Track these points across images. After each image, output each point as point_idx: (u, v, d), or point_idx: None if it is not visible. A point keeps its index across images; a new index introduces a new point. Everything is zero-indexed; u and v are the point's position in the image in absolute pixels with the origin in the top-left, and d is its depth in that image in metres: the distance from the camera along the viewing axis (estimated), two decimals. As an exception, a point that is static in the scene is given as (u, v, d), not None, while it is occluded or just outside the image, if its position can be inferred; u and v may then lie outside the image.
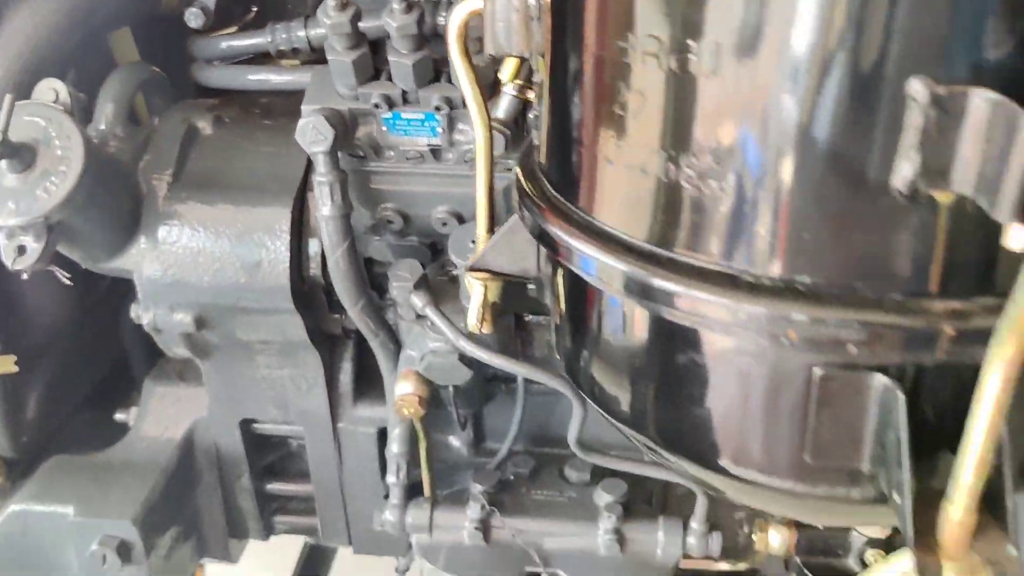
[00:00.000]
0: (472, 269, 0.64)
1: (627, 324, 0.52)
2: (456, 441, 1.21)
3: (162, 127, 1.01)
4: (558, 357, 0.63)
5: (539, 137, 0.58)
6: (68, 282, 0.95)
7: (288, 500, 1.27)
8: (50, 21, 0.92)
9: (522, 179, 0.58)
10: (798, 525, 1.06)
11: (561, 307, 0.59)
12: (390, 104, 0.89)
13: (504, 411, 1.18)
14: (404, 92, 0.89)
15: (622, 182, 0.48)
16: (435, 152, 0.92)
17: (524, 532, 1.08)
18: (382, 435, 1.16)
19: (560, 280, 0.58)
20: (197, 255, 0.97)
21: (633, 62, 0.46)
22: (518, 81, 0.81)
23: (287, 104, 1.03)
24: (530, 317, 1.12)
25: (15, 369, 1.05)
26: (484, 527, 1.08)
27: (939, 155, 0.38)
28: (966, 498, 0.41)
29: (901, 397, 0.42)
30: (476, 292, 0.65)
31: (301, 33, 1.02)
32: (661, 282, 0.46)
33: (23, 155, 0.83)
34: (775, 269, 0.44)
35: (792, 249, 0.44)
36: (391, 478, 1.10)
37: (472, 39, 0.66)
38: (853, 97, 0.41)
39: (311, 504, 1.25)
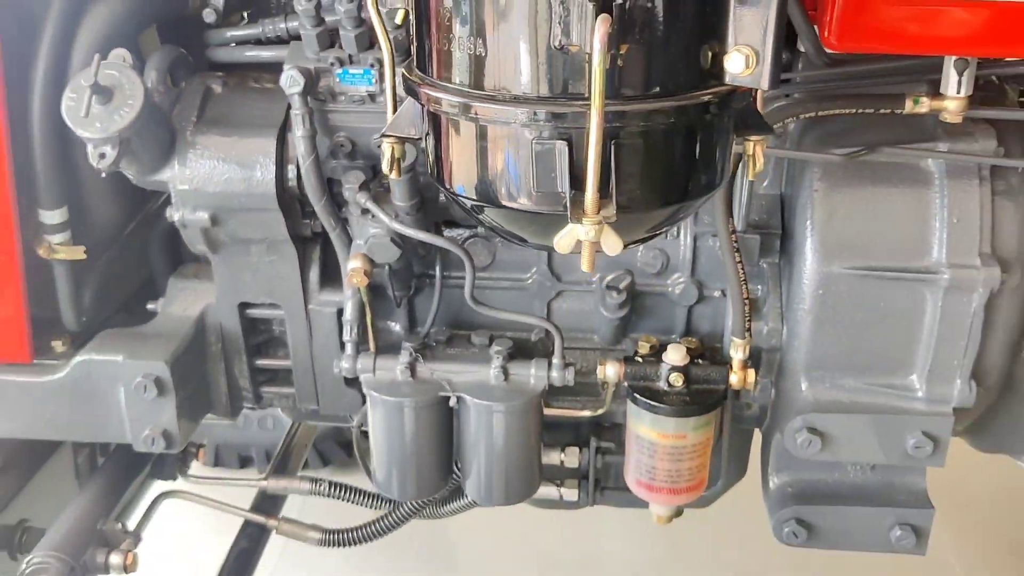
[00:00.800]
0: (383, 135, 1.11)
1: (459, 133, 0.99)
2: (395, 326, 1.67)
3: (187, 88, 1.49)
4: (437, 181, 1.09)
5: (413, 47, 1.06)
6: (132, 179, 1.42)
7: (273, 374, 1.72)
8: (119, 11, 1.41)
9: (405, 72, 1.06)
10: (625, 360, 1.53)
11: (431, 142, 1.06)
12: (341, 63, 1.38)
13: (429, 305, 1.64)
14: (350, 55, 1.37)
15: (448, 58, 0.97)
16: (371, 96, 1.40)
17: (439, 371, 1.54)
18: (340, 315, 1.61)
19: (428, 124, 1.05)
20: (212, 171, 1.44)
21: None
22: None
23: (271, 77, 1.51)
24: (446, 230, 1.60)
25: (84, 257, 1.51)
26: (411, 368, 1.54)
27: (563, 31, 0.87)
28: (592, 186, 0.88)
29: (565, 148, 0.90)
30: (387, 151, 1.12)
31: (282, 25, 1.50)
32: (469, 103, 0.94)
33: (105, 93, 1.31)
34: (511, 90, 0.92)
35: (516, 80, 0.91)
36: (345, 336, 1.56)
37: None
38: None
39: (290, 377, 1.71)
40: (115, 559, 1.57)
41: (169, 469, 1.87)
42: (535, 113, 0.91)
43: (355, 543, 1.79)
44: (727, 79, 0.93)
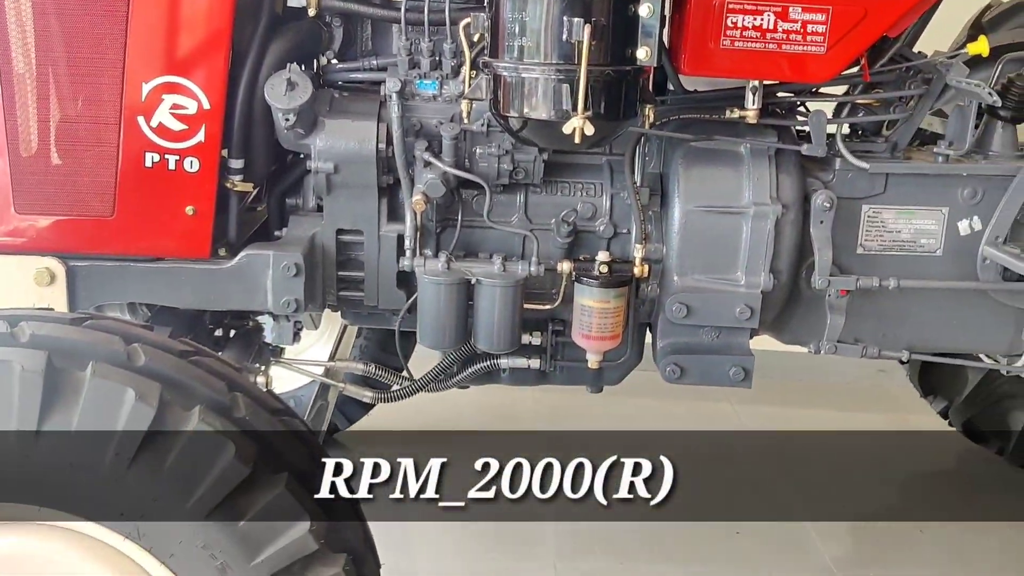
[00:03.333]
0: (464, 97, 2.18)
1: (511, 84, 2.08)
2: (428, 252, 2.69)
3: (320, 94, 2.53)
4: (496, 112, 2.17)
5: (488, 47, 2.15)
6: (286, 144, 2.44)
7: (348, 283, 2.69)
8: (289, 47, 2.46)
9: (481, 59, 2.14)
10: (574, 260, 2.58)
11: (494, 93, 2.14)
12: (419, 77, 2.46)
13: (451, 239, 2.67)
14: (424, 73, 2.46)
15: (509, 47, 2.06)
16: (435, 97, 2.48)
17: (463, 266, 2.55)
18: (398, 240, 2.62)
19: (494, 84, 2.13)
20: (338, 139, 2.47)
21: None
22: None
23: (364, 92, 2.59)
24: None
25: (253, 191, 2.50)
26: (448, 263, 2.54)
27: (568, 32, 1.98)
28: (582, 101, 1.96)
29: (568, 85, 1.99)
30: (465, 107, 2.19)
31: (374, 61, 2.59)
32: (518, 67, 2.04)
33: (291, 84, 2.34)
34: (542, 59, 2.03)
35: (544, 54, 2.03)
36: (407, 244, 2.56)
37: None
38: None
39: (360, 286, 2.68)
40: (260, 379, 2.50)
41: (265, 356, 2.81)
42: (554, 70, 2.01)
43: (399, 399, 2.76)
44: (638, 61, 2.06)
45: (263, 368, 2.59)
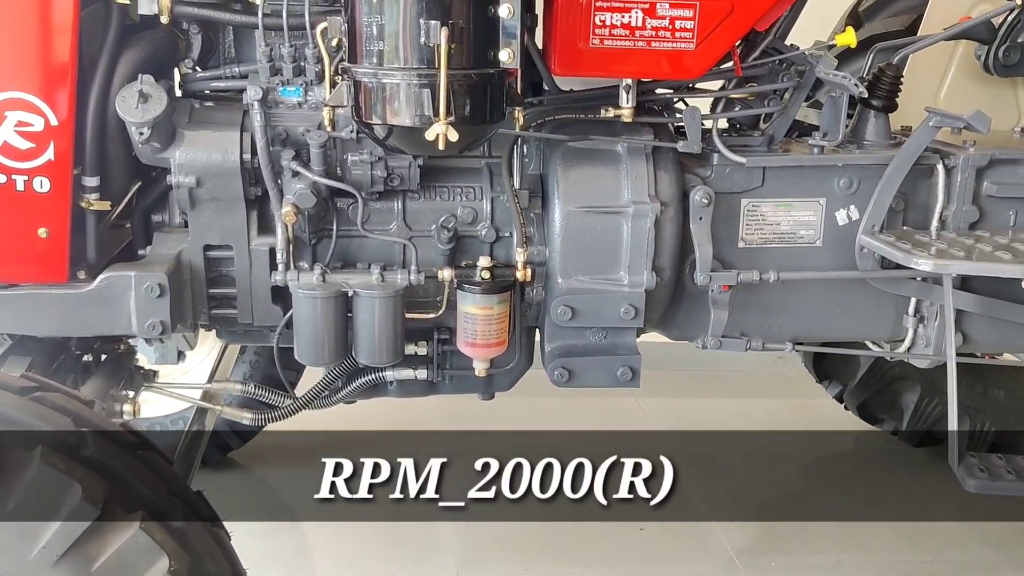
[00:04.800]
0: (325, 104, 2.10)
1: (371, 89, 2.01)
2: (304, 265, 2.59)
3: (179, 104, 2.41)
4: (358, 119, 2.09)
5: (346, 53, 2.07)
6: (145, 159, 2.31)
7: (220, 301, 2.58)
8: (142, 56, 2.34)
9: (343, 64, 2.06)
10: (455, 267, 2.52)
11: (355, 99, 2.05)
12: (282, 84, 2.36)
13: (327, 251, 2.58)
14: (288, 79, 2.36)
15: (367, 52, 1.99)
16: (299, 104, 2.38)
17: (339, 278, 2.46)
18: (270, 253, 2.51)
19: (354, 90, 2.05)
20: (199, 151, 2.36)
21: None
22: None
23: (228, 102, 2.48)
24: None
25: (109, 208, 2.37)
26: (323, 275, 2.45)
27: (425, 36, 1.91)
28: (443, 106, 1.90)
29: (428, 90, 1.93)
30: (327, 114, 2.10)
31: (236, 69, 2.48)
32: (377, 72, 1.96)
33: (144, 96, 2.22)
34: (402, 64, 1.96)
35: (403, 59, 1.96)
36: (279, 258, 2.46)
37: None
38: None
39: (233, 303, 2.57)
40: (128, 407, 2.37)
41: (137, 381, 2.67)
42: (414, 75, 1.94)
43: (278, 420, 2.65)
44: (501, 63, 2.00)
45: (132, 395, 2.46)
